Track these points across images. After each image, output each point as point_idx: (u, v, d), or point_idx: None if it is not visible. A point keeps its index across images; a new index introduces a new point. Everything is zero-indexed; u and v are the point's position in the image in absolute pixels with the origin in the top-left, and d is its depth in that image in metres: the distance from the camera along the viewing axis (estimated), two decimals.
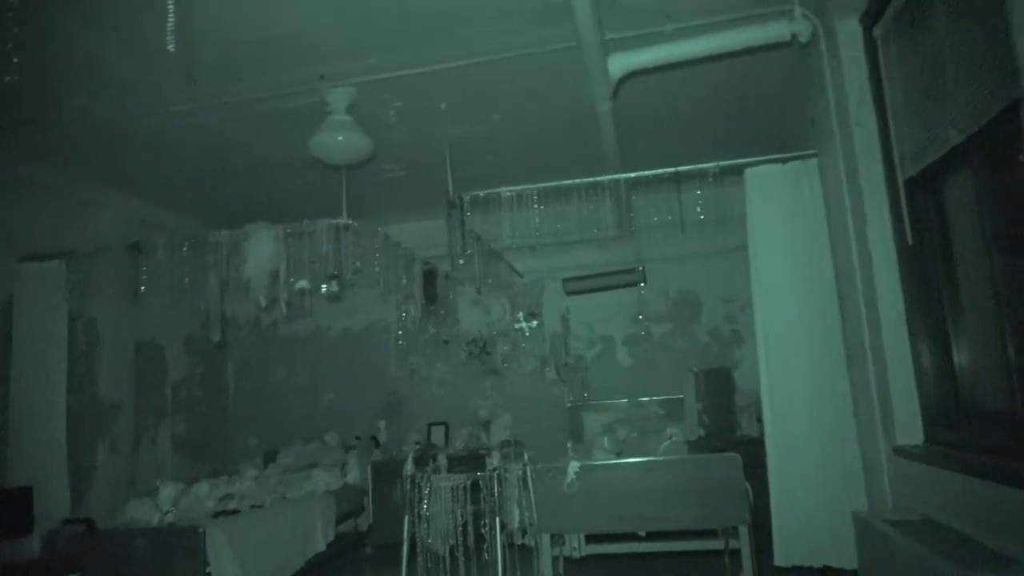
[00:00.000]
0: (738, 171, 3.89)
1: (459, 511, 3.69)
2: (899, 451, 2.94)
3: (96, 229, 5.34)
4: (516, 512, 3.73)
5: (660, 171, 3.98)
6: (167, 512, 4.44)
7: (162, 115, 4.18)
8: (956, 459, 2.50)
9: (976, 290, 2.64)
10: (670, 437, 4.30)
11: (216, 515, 4.47)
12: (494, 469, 3.67)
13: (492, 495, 3.61)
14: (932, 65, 2.52)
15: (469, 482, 3.70)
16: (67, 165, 4.95)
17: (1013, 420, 2.33)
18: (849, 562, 3.33)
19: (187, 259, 4.40)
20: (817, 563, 3.47)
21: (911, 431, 2.97)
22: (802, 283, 3.65)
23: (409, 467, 3.81)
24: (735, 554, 3.71)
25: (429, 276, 5.84)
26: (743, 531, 3.58)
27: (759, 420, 5.39)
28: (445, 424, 6.75)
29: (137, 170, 5.15)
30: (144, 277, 4.47)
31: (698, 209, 4.02)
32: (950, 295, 2.81)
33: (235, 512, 4.55)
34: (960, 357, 2.79)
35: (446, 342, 6.86)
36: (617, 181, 4.15)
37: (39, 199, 5.00)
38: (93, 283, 5.10)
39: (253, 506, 4.77)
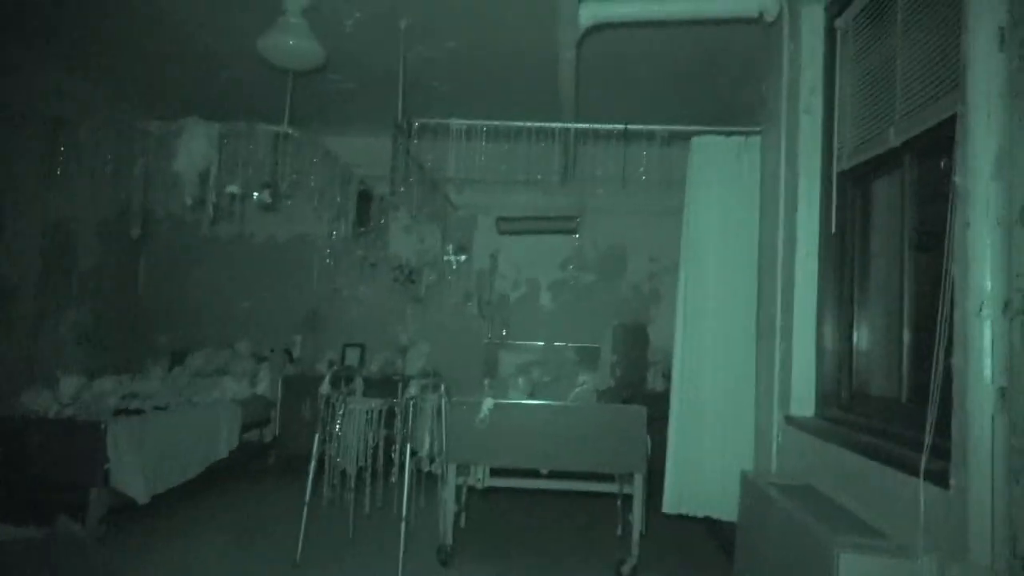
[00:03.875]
0: (685, 137, 3.97)
1: (371, 434, 3.75)
2: (790, 420, 3.18)
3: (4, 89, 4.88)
4: (427, 440, 3.83)
5: (611, 126, 4.02)
6: (67, 405, 4.31)
7: None
8: (840, 434, 2.74)
9: (884, 283, 2.85)
10: (582, 383, 4.47)
11: (118, 413, 4.37)
12: (411, 398, 3.73)
13: (406, 423, 3.68)
14: (884, 67, 2.63)
15: (385, 408, 3.76)
16: None
17: (895, 406, 2.57)
18: (730, 515, 3.61)
19: (112, 144, 4.13)
20: (701, 513, 3.74)
21: (804, 404, 3.21)
22: (727, 254, 3.81)
23: (325, 387, 3.83)
24: (627, 499, 3.95)
25: (364, 196, 5.71)
26: (638, 478, 3.81)
27: (665, 376, 5.68)
28: (362, 346, 6.76)
29: (59, 29, 4.62)
30: (62, 157, 4.18)
31: (641, 170, 4.10)
32: (861, 285, 3.03)
33: (138, 412, 4.47)
34: (859, 343, 3.03)
35: (373, 265, 6.80)
36: (567, 129, 4.17)
37: None
38: (3, 150, 4.73)
39: (157, 407, 4.70)
